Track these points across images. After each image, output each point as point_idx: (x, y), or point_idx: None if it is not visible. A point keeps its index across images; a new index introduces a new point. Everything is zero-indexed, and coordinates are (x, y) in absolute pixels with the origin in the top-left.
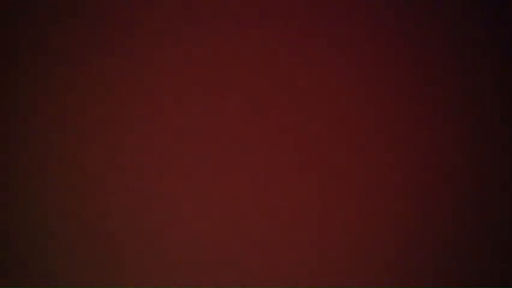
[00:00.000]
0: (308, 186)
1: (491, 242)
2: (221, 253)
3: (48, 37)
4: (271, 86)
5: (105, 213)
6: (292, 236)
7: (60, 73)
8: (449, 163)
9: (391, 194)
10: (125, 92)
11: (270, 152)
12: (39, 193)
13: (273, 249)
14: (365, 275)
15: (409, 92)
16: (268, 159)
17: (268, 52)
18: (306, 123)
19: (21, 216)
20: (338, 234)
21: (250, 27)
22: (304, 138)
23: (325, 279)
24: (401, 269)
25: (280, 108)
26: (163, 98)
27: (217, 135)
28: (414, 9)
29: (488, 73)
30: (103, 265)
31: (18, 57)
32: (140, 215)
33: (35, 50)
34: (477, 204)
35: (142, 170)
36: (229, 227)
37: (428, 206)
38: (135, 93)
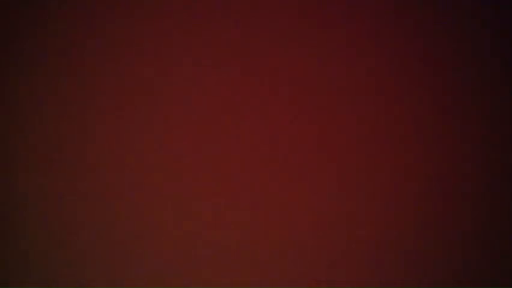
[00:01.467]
0: (309, 186)
1: (492, 242)
2: (221, 253)
3: (49, 36)
4: (272, 85)
5: (105, 212)
6: (293, 236)
7: (61, 73)
8: (450, 163)
9: (392, 195)
10: (124, 92)
11: (270, 152)
12: (38, 193)
13: (273, 249)
14: (364, 275)
15: (409, 92)
16: (269, 159)
17: (269, 51)
18: (307, 123)
19: (20, 216)
20: (339, 234)
21: (252, 27)
22: (306, 138)
23: (326, 279)
24: (402, 269)
25: (281, 109)
26: (164, 98)
27: (217, 135)
28: (415, 9)
29: (488, 73)
30: (102, 266)
31: (18, 58)
32: (140, 214)
33: (34, 50)
34: (477, 205)
35: (143, 169)
36: (229, 227)
37: (429, 207)
38: (135, 94)
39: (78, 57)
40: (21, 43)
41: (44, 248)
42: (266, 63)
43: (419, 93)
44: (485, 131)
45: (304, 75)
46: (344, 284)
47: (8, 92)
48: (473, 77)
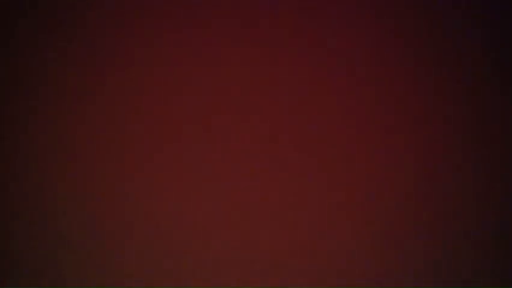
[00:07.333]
0: (308, 186)
1: (491, 242)
2: (220, 253)
3: (47, 36)
4: (271, 86)
5: (105, 212)
6: (292, 236)
7: (60, 75)
8: (450, 163)
9: (391, 195)
10: (125, 92)
11: (269, 152)
12: (39, 193)
13: (273, 250)
14: (363, 275)
15: (408, 92)
16: (268, 160)
17: (267, 52)
18: (306, 124)
19: (20, 216)
20: (338, 234)
21: (251, 27)
22: (304, 139)
23: (324, 279)
24: (402, 269)
25: (280, 108)
26: (163, 99)
27: (217, 135)
28: (413, 9)
29: (488, 73)
30: (103, 265)
31: (19, 58)
32: (140, 215)
33: (35, 52)
34: (477, 204)
35: (143, 170)
36: (228, 227)
37: (429, 206)
38: (134, 93)
39: (76, 58)
40: (20, 42)
41: (43, 248)
42: (266, 61)
43: (418, 93)
44: (486, 131)
45: (302, 75)
46: (344, 284)
47: (7, 92)
48: (472, 76)
